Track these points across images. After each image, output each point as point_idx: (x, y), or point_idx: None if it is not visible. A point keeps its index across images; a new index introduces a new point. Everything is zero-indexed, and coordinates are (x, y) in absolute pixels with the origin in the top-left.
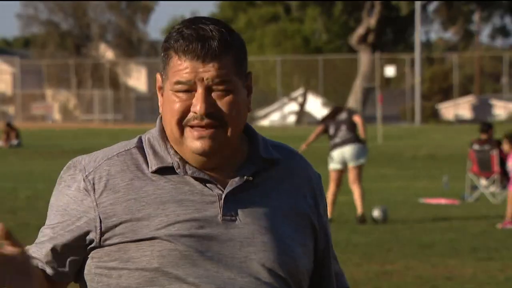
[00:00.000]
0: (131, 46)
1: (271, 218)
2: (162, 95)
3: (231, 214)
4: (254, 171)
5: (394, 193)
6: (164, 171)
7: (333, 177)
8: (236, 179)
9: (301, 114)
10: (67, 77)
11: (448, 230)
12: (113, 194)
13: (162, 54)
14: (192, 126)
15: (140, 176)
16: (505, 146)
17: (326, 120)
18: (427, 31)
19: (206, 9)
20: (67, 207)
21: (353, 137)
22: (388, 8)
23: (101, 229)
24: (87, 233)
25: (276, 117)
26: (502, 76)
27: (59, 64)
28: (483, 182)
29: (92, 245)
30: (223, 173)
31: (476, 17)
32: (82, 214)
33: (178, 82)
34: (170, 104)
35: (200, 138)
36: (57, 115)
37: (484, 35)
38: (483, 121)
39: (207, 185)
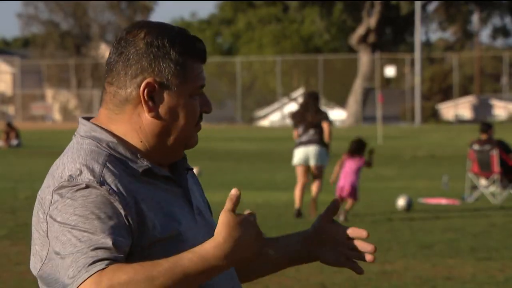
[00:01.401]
0: None
1: (205, 209)
2: (154, 102)
3: (195, 208)
4: (187, 163)
5: (394, 193)
6: (144, 173)
7: (299, 172)
8: (184, 175)
9: None
10: (67, 77)
11: (448, 230)
12: (125, 199)
13: (171, 60)
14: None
15: (132, 180)
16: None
17: (297, 122)
18: (427, 31)
19: (206, 10)
20: (99, 211)
21: (318, 139)
22: (388, 8)
23: (134, 231)
24: (129, 233)
25: (276, 117)
26: (502, 76)
27: (59, 64)
28: (483, 182)
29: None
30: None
31: (475, 17)
32: (120, 213)
33: (202, 86)
34: (190, 108)
35: (197, 132)
36: (57, 115)
37: (484, 35)
38: (483, 121)
39: (171, 182)
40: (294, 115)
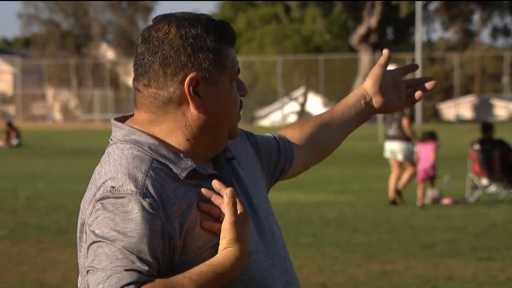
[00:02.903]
0: (132, 46)
1: (256, 196)
2: (200, 96)
3: (243, 201)
4: (227, 152)
5: None
6: (189, 175)
7: (391, 164)
8: (226, 168)
9: (302, 114)
10: (68, 77)
11: (449, 230)
12: (172, 207)
13: (209, 49)
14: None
15: (177, 185)
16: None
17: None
18: (428, 31)
19: (206, 9)
20: (139, 228)
21: (401, 134)
22: (388, 7)
23: (176, 245)
24: (170, 248)
25: (276, 117)
26: (503, 76)
27: (60, 64)
28: (484, 182)
29: (173, 262)
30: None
31: (476, 17)
32: (159, 230)
33: (239, 70)
34: (231, 96)
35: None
36: (57, 115)
37: (485, 35)
38: (484, 121)
39: (217, 179)
40: None
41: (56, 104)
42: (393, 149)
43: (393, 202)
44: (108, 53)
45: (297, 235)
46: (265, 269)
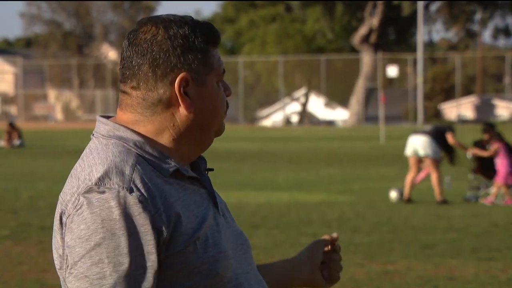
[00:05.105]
0: None
1: (227, 210)
2: (190, 97)
3: (220, 210)
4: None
5: None
6: (173, 174)
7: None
8: (206, 175)
9: (303, 114)
10: (70, 77)
11: (450, 230)
12: (159, 201)
13: (197, 49)
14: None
15: (162, 182)
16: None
17: None
18: (430, 31)
19: (209, 9)
20: (126, 225)
21: (428, 130)
22: (390, 8)
23: (165, 238)
24: (158, 245)
25: (278, 117)
26: (504, 76)
27: (62, 64)
28: (485, 182)
29: (159, 256)
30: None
31: (478, 17)
32: (148, 228)
33: (224, 71)
34: (219, 96)
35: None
36: (59, 115)
37: (487, 35)
38: (485, 121)
39: (197, 183)
40: None
41: (57, 104)
42: (414, 144)
43: (444, 202)
44: (110, 53)
45: (298, 235)
46: (241, 274)
